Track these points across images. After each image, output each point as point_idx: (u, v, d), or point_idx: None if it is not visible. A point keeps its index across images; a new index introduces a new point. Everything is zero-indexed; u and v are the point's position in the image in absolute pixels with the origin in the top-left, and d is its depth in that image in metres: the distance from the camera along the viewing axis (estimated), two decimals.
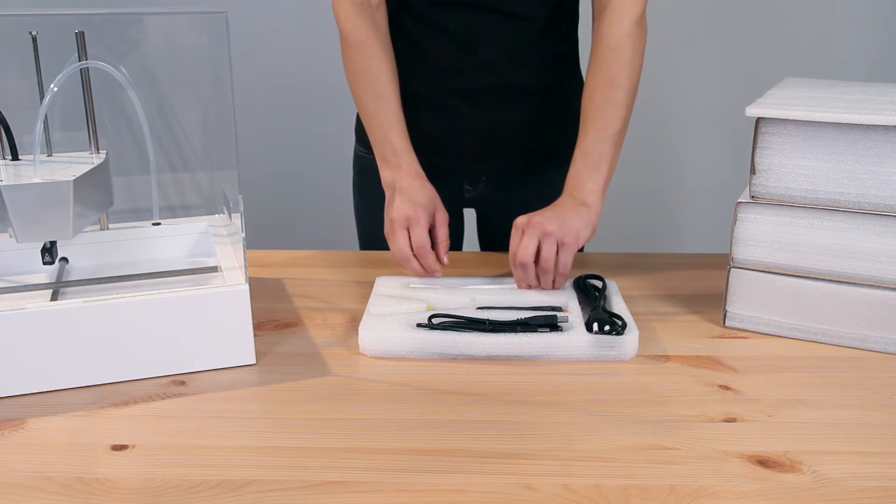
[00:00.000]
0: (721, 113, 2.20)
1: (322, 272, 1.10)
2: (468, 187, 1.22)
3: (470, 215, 1.31)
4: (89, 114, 0.89)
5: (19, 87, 0.90)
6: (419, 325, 0.87)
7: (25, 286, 0.86)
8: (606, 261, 1.14)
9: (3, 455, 0.68)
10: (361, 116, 1.10)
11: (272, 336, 0.90)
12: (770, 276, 0.89)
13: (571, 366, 0.84)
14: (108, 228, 0.96)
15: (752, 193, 0.88)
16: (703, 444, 0.70)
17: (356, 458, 0.68)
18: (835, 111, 0.82)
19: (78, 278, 0.90)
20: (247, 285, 0.81)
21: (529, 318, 0.87)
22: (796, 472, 0.66)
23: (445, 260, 1.00)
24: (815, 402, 0.77)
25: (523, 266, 0.94)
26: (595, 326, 0.85)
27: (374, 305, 0.92)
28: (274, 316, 0.95)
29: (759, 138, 0.86)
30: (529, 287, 0.97)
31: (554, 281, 0.96)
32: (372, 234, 1.28)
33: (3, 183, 0.77)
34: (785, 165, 0.86)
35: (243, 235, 0.82)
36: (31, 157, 0.82)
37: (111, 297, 0.77)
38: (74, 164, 0.84)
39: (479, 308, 0.93)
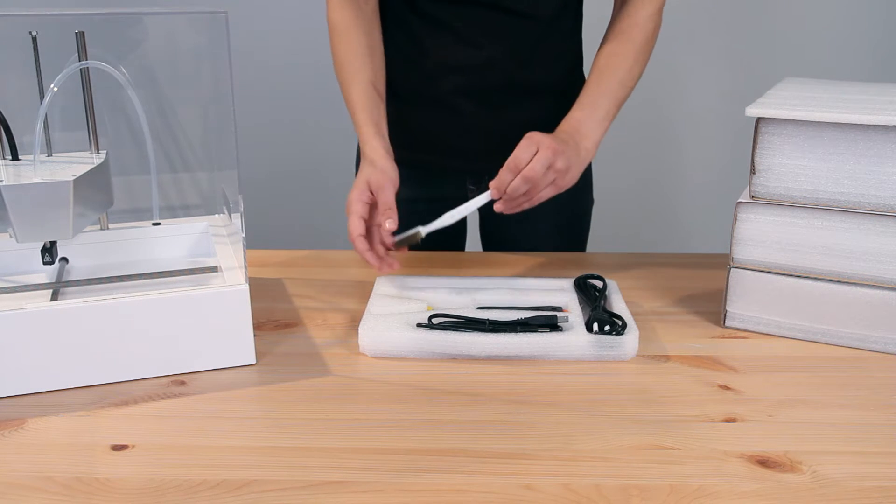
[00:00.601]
0: (721, 113, 2.20)
1: (322, 272, 1.10)
2: (471, 187, 1.22)
3: (472, 214, 1.31)
4: (89, 114, 0.89)
5: (19, 87, 0.90)
6: (419, 325, 0.87)
7: (25, 286, 0.86)
8: (606, 261, 1.14)
9: (3, 455, 0.68)
10: None
11: (272, 336, 0.90)
12: (770, 276, 0.89)
13: (571, 366, 0.84)
14: (108, 228, 0.96)
15: (752, 193, 0.88)
16: (703, 444, 0.70)
17: (356, 458, 0.68)
18: (835, 111, 0.82)
19: (78, 278, 0.90)
20: (247, 285, 0.81)
21: (529, 318, 0.87)
22: (796, 472, 0.66)
23: (388, 240, 0.96)
24: (815, 402, 0.77)
25: (526, 180, 0.91)
26: (595, 326, 0.85)
27: (375, 305, 0.92)
28: (274, 316, 0.95)
29: (759, 138, 0.86)
30: (499, 198, 0.93)
31: (513, 206, 0.94)
32: None
33: (3, 183, 0.77)
34: (785, 165, 0.86)
35: (243, 235, 0.82)
36: (31, 157, 0.82)
37: (111, 297, 0.77)
38: (74, 164, 0.84)
39: (479, 308, 0.93)
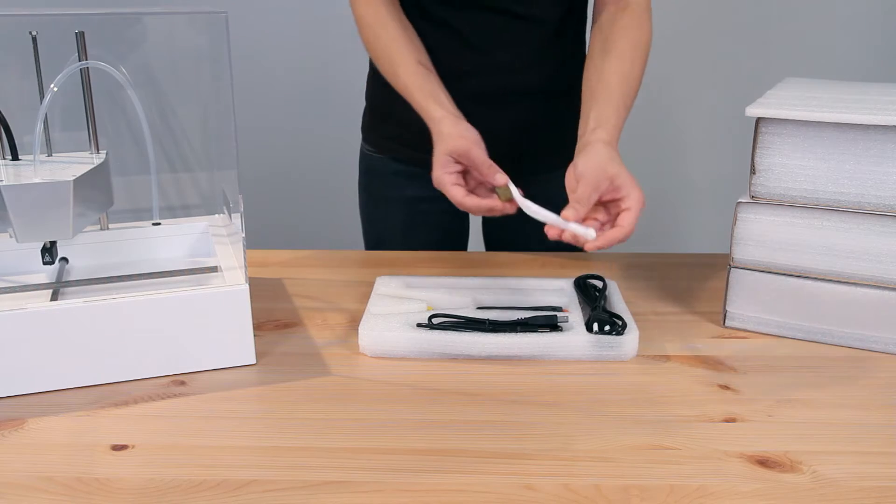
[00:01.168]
0: (721, 113, 2.20)
1: (322, 272, 1.10)
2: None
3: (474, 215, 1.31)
4: (89, 114, 0.89)
5: (19, 87, 0.90)
6: (419, 325, 0.87)
7: (25, 286, 0.86)
8: (606, 261, 1.14)
9: (3, 455, 0.68)
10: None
11: (272, 336, 0.90)
12: (770, 276, 0.89)
13: (571, 366, 0.84)
14: (108, 228, 0.96)
15: (752, 193, 0.88)
16: (703, 444, 0.70)
17: (356, 458, 0.68)
18: (835, 111, 0.82)
19: (78, 278, 0.90)
20: (247, 285, 0.81)
21: (529, 318, 0.87)
22: (796, 472, 0.66)
23: (499, 180, 0.93)
24: (815, 402, 0.77)
25: (626, 236, 0.90)
26: (595, 326, 0.85)
27: (375, 305, 0.92)
28: (274, 316, 0.95)
29: (759, 138, 0.86)
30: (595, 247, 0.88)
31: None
32: (378, 234, 1.27)
33: (3, 183, 0.77)
34: (785, 165, 0.86)
35: (243, 235, 0.82)
36: (31, 157, 0.82)
37: (111, 297, 0.77)
38: (74, 164, 0.84)
39: (479, 308, 0.93)
